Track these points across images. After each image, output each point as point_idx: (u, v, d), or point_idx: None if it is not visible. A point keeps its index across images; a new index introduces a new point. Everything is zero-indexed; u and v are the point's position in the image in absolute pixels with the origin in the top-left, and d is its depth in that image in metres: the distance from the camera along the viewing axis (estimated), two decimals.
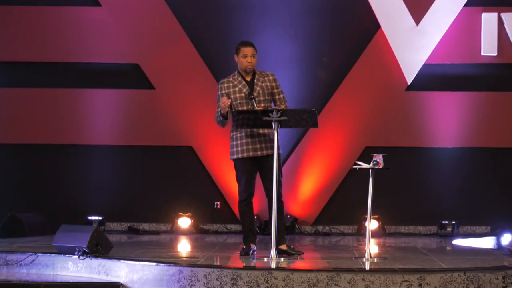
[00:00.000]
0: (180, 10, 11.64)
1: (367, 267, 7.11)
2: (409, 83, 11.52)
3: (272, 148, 7.65)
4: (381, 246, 9.66)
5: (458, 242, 10.28)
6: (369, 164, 7.62)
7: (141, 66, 11.64)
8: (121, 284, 7.17)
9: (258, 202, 8.38)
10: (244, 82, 7.89)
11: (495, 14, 11.42)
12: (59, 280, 7.42)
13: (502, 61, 11.49)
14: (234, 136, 7.88)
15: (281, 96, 7.96)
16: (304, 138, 11.55)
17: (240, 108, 7.79)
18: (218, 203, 11.63)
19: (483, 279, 6.68)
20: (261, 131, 7.79)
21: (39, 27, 11.62)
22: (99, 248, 7.54)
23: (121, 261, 7.31)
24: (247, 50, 7.89)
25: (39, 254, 7.93)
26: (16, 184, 11.63)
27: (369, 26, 11.53)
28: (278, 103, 7.91)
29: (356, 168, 7.75)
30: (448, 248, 9.69)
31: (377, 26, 11.48)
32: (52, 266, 7.83)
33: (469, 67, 11.53)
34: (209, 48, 11.62)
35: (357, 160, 11.04)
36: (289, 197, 11.36)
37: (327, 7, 11.63)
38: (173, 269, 6.90)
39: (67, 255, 7.70)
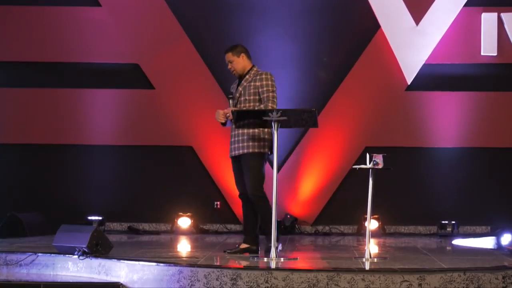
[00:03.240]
0: (180, 10, 11.64)
1: (367, 267, 7.10)
2: (409, 83, 11.52)
3: (239, 149, 7.74)
4: (381, 246, 9.65)
5: (458, 242, 10.27)
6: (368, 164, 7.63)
7: (141, 66, 11.64)
8: (121, 284, 7.17)
9: None
10: (237, 81, 8.00)
11: (495, 14, 11.42)
12: (59, 280, 7.41)
13: (502, 61, 11.49)
14: None
15: (265, 95, 7.78)
16: (304, 138, 11.54)
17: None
18: (218, 203, 11.63)
19: (483, 279, 6.68)
20: (234, 132, 7.81)
21: (39, 27, 11.62)
22: (99, 248, 7.54)
23: (121, 261, 7.31)
24: (225, 58, 7.96)
25: (39, 254, 7.92)
26: (16, 184, 11.62)
27: (369, 26, 11.54)
28: (262, 102, 7.80)
29: (356, 168, 7.75)
30: (448, 248, 9.68)
31: (377, 26, 11.48)
32: (52, 266, 7.82)
33: (469, 67, 11.53)
34: (209, 48, 11.62)
35: (357, 160, 11.11)
36: (289, 197, 11.38)
37: (327, 7, 11.63)
38: (173, 269, 6.90)
39: (67, 255, 7.69)
